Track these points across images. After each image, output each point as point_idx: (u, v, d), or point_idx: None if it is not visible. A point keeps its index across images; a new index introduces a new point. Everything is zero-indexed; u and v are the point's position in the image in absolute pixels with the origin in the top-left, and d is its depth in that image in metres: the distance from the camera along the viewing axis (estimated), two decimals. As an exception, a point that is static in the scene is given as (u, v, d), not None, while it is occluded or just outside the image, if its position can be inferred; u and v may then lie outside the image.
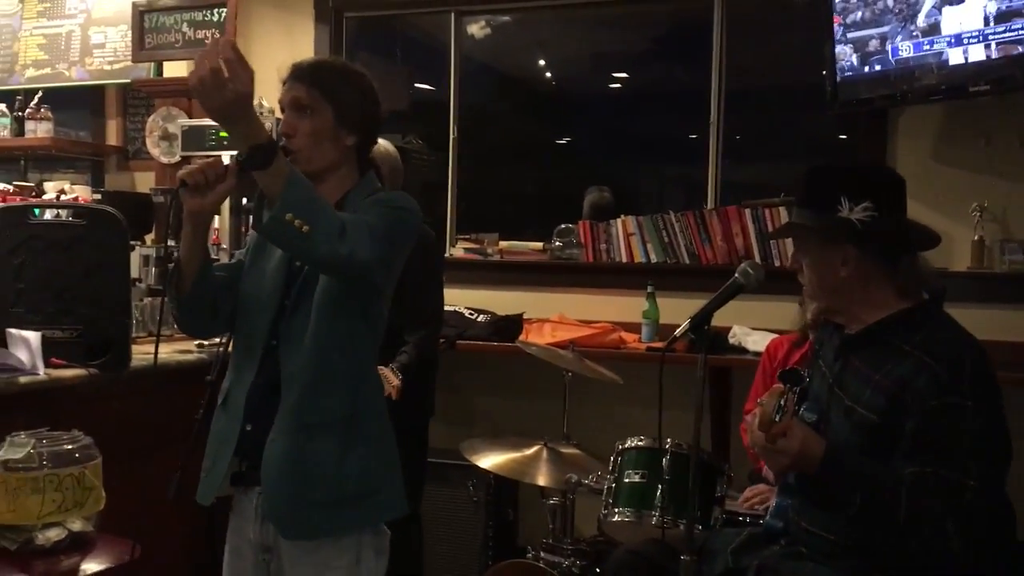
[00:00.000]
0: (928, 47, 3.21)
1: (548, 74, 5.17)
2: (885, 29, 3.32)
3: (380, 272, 1.88)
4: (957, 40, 3.12)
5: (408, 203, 1.98)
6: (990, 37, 3.03)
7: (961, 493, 1.69)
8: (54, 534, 2.05)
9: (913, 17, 3.24)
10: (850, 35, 3.43)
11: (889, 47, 3.31)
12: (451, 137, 4.43)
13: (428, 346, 3.14)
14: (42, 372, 2.54)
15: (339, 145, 1.96)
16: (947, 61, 3.15)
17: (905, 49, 3.27)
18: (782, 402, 1.68)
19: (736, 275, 1.95)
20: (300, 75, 1.96)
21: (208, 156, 2.01)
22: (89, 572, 2.02)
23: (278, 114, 3.96)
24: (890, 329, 1.87)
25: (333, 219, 1.76)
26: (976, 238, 3.41)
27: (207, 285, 1.98)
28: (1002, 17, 2.99)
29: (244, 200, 3.83)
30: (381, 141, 3.18)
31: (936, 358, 1.76)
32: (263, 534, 1.94)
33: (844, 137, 4.27)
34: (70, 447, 2.12)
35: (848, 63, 3.44)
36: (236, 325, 2.03)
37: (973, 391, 1.73)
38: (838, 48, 3.46)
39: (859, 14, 3.40)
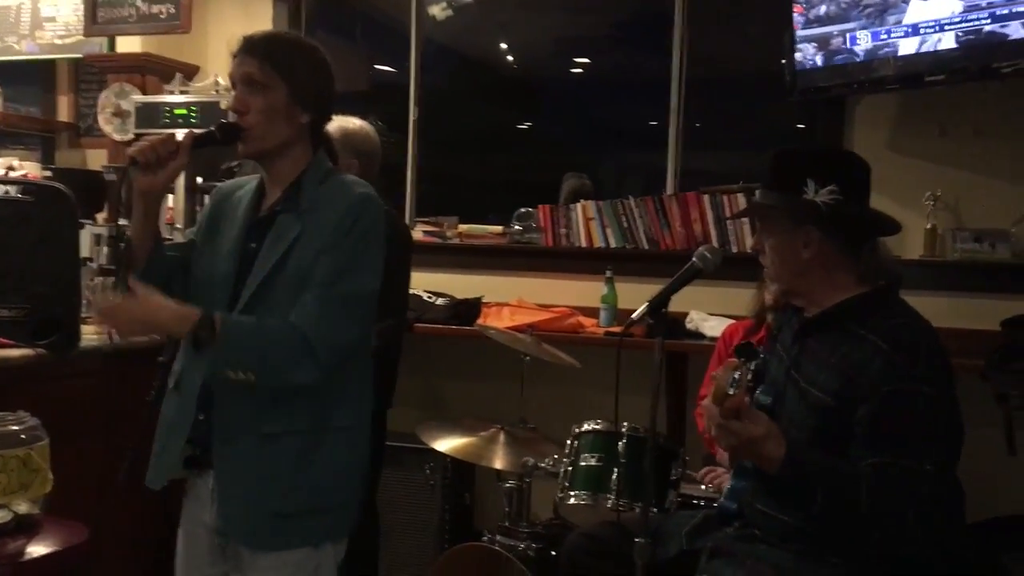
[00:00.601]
0: (885, 36, 3.23)
1: (510, 58, 5.14)
2: (844, 18, 3.34)
3: (368, 339, 1.91)
4: (914, 30, 3.15)
5: (372, 209, 1.90)
6: (946, 27, 3.06)
7: (920, 481, 1.70)
8: (-1, 516, 2.01)
9: (872, 6, 3.27)
10: (809, 24, 3.45)
11: (848, 36, 3.34)
12: (411, 119, 4.40)
13: (392, 336, 3.01)
14: (-13, 352, 2.48)
15: (293, 123, 1.91)
16: (903, 51, 3.18)
17: (863, 39, 3.30)
18: (735, 375, 1.68)
19: (694, 259, 1.95)
20: (252, 49, 1.89)
21: (160, 133, 1.96)
22: (36, 555, 1.98)
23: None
24: (847, 313, 1.89)
25: (284, 349, 1.77)
26: (929, 226, 3.46)
27: (159, 265, 1.94)
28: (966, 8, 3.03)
29: (199, 179, 3.77)
30: (362, 123, 3.10)
31: (891, 343, 1.78)
32: (219, 518, 1.90)
33: (803, 126, 4.30)
34: (15, 428, 2.06)
35: (807, 52, 3.46)
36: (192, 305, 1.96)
37: (928, 375, 1.75)
38: (798, 37, 3.48)
39: (819, 3, 3.41)
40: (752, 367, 1.76)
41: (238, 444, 1.85)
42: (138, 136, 4.16)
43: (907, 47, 3.17)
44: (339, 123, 3.00)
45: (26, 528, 2.05)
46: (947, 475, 1.76)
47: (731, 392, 1.67)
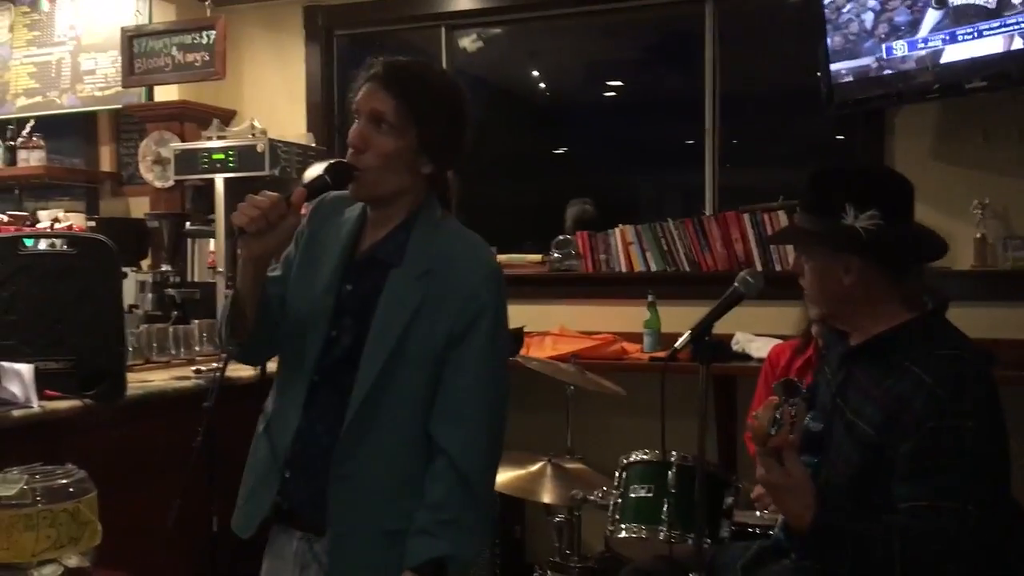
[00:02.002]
0: (923, 45, 3.18)
1: (542, 85, 5.15)
2: (879, 29, 3.29)
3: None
4: (952, 37, 3.09)
5: (501, 286, 1.81)
6: (985, 33, 3.00)
7: (960, 522, 1.63)
8: (49, 571, 2.00)
9: (906, 15, 3.21)
10: (843, 36, 3.40)
11: (884, 47, 3.28)
12: (446, 152, 4.40)
13: None
14: (36, 405, 2.51)
15: (414, 172, 1.75)
16: (942, 59, 3.12)
17: (899, 48, 3.24)
18: (777, 414, 1.63)
19: (736, 284, 1.91)
20: (390, 83, 1.71)
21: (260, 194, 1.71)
22: (86, 609, 1.98)
23: (271, 134, 3.96)
24: (892, 343, 1.82)
25: (472, 530, 1.74)
26: (978, 236, 3.38)
27: (266, 318, 1.81)
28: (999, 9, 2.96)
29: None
30: None
31: (935, 377, 1.71)
32: None
33: (842, 138, 4.24)
34: (64, 481, 2.07)
35: (842, 65, 3.41)
36: (282, 346, 1.86)
37: (974, 410, 1.68)
38: (831, 50, 3.43)
39: (851, 15, 3.37)
40: (794, 403, 1.70)
41: (355, 538, 1.75)
42: (178, 182, 4.22)
43: (946, 55, 3.11)
44: None
45: (77, 582, 2.05)
46: (994, 509, 1.68)
47: (772, 432, 1.62)
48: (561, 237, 4.11)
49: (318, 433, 1.79)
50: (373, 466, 1.74)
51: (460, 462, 1.72)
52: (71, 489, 2.07)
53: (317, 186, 1.76)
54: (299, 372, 1.80)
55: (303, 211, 1.77)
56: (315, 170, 1.77)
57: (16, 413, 2.45)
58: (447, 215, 1.87)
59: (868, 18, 3.32)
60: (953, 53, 3.09)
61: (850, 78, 3.40)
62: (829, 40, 3.43)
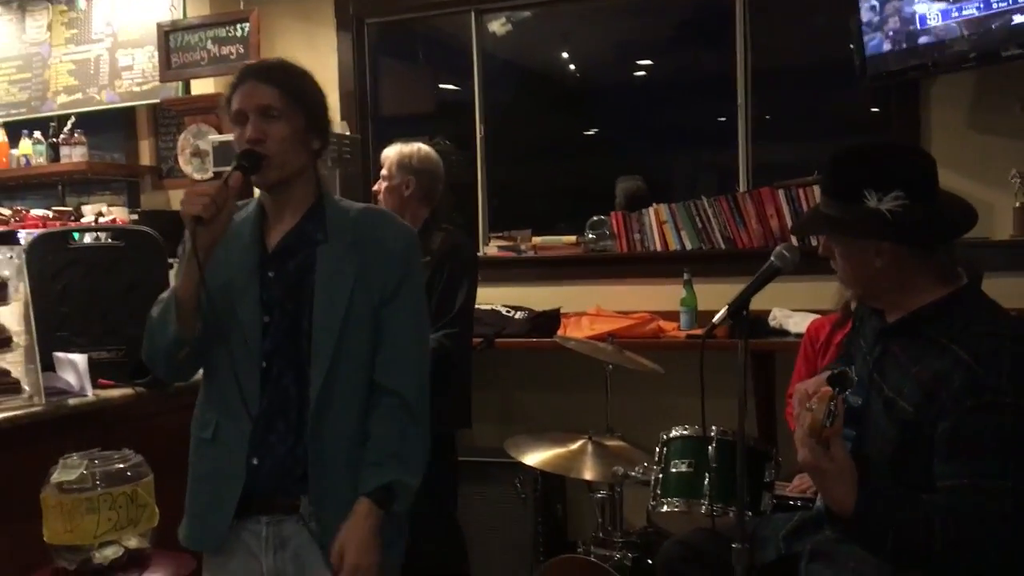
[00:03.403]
0: (956, 13, 3.14)
1: (572, 67, 5.14)
2: (911, -1, 3.26)
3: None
4: (986, 5, 3.05)
5: (417, 245, 2.02)
6: (1020, 0, 2.96)
7: (999, 501, 1.64)
8: (111, 552, 2.09)
9: (940, -16, 3.18)
10: (875, 7, 3.38)
11: (918, 16, 3.25)
12: (478, 136, 4.44)
13: (449, 346, 2.88)
14: (90, 393, 2.59)
15: (308, 149, 1.92)
16: (976, 28, 3.09)
17: (933, 17, 3.21)
18: (831, 406, 1.65)
19: (772, 259, 1.91)
20: (267, 78, 1.87)
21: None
22: (147, 587, 2.05)
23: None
24: (928, 320, 1.81)
25: (415, 459, 1.92)
26: (1017, 205, 3.34)
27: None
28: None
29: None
30: (419, 144, 3.19)
31: (972, 354, 1.70)
32: (278, 563, 1.90)
33: (876, 110, 4.20)
34: (122, 466, 2.15)
35: (875, 36, 3.38)
36: (209, 352, 1.93)
37: (1012, 387, 1.67)
38: (864, 21, 3.40)
39: (884, -15, 3.34)
40: (845, 397, 1.71)
41: (335, 497, 1.88)
42: (217, 174, 4.29)
43: (980, 23, 3.08)
44: (397, 146, 3.17)
45: (137, 562, 2.13)
46: None
47: (828, 424, 1.64)
48: (596, 218, 4.12)
49: (281, 414, 1.88)
50: (342, 427, 1.88)
51: (413, 402, 1.90)
52: (129, 473, 2.16)
53: (240, 170, 1.86)
54: (243, 366, 1.87)
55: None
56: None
57: (72, 401, 2.54)
58: (339, 197, 2.07)
59: (901, -11, 3.29)
60: (988, 21, 3.06)
61: (883, 49, 3.37)
62: (861, 11, 3.40)
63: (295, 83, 1.90)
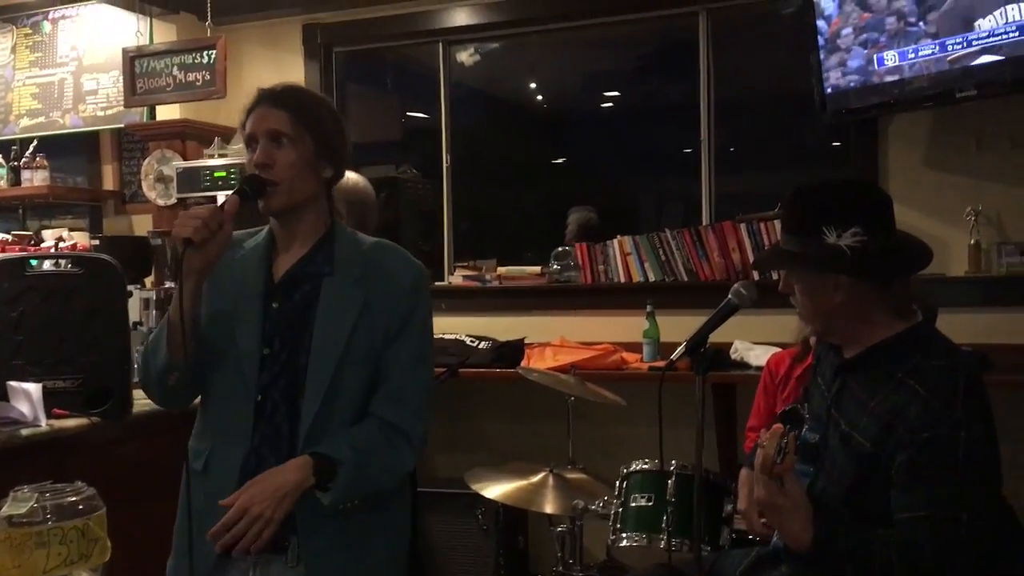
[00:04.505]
0: (913, 55, 3.21)
1: (539, 96, 5.19)
2: (870, 38, 3.33)
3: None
4: (942, 47, 3.13)
5: (427, 282, 1.97)
6: (975, 43, 3.04)
7: (955, 532, 1.67)
8: (61, 588, 2.04)
9: (895, 25, 3.25)
10: (835, 46, 3.44)
11: (875, 57, 3.32)
12: (444, 164, 4.45)
13: None
14: (44, 423, 2.55)
15: (318, 177, 1.87)
16: (933, 68, 3.16)
17: (891, 58, 3.28)
18: (783, 443, 1.67)
19: (730, 296, 1.94)
20: (278, 102, 1.84)
21: (193, 206, 1.88)
22: (97, 624, 2.01)
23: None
24: (884, 355, 1.85)
25: (388, 456, 1.82)
26: (972, 242, 3.41)
27: (198, 350, 1.84)
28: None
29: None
30: (352, 175, 3.18)
31: (928, 388, 1.74)
32: None
33: (838, 144, 4.28)
34: (74, 499, 2.09)
35: (835, 74, 3.45)
36: (207, 380, 1.89)
37: (966, 419, 1.71)
38: (824, 58, 3.47)
39: (841, 25, 3.41)
40: (798, 434, 1.73)
41: (322, 540, 1.82)
42: (180, 200, 4.27)
43: (937, 64, 3.15)
44: None
45: (87, 597, 2.08)
46: (986, 520, 1.71)
47: (778, 461, 1.66)
48: (560, 249, 4.15)
49: (272, 447, 1.83)
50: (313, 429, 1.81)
51: (408, 430, 1.84)
52: (80, 506, 2.10)
53: (240, 195, 1.82)
54: (238, 397, 1.84)
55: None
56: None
57: (25, 432, 2.49)
58: (352, 230, 1.99)
59: (859, 28, 3.36)
60: (943, 62, 3.13)
61: (842, 87, 3.44)
62: (821, 50, 3.47)
63: (307, 108, 1.85)
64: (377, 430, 1.82)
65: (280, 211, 1.87)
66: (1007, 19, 2.93)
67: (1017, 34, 2.91)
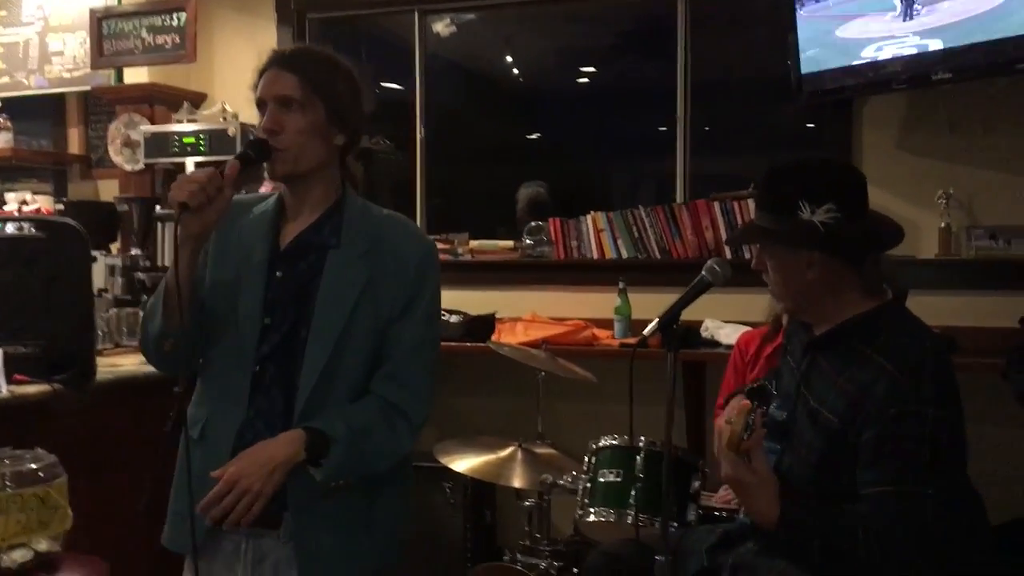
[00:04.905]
0: (890, 36, 3.21)
1: (516, 71, 5.15)
2: (848, 20, 3.33)
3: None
4: (919, 29, 3.13)
5: (437, 260, 1.90)
6: (950, 27, 3.04)
7: (921, 507, 1.68)
8: (19, 556, 2.01)
9: (873, 5, 3.25)
10: (813, 26, 3.43)
11: (852, 38, 3.32)
12: (418, 136, 4.41)
13: None
14: (4, 389, 2.50)
15: (328, 144, 1.82)
16: (909, 51, 3.16)
17: (868, 39, 3.28)
18: (750, 419, 1.67)
19: (703, 273, 1.93)
20: (289, 65, 1.78)
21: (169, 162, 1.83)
22: (57, 593, 1.98)
23: (243, 118, 3.94)
24: (854, 332, 1.86)
25: (385, 435, 1.77)
26: (943, 225, 3.43)
27: (197, 314, 1.81)
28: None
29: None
30: None
31: (896, 364, 1.75)
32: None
33: (812, 126, 4.28)
34: (33, 466, 2.07)
35: (811, 55, 3.44)
36: (207, 347, 1.86)
37: (934, 397, 1.72)
38: (801, 39, 3.46)
39: (820, 4, 3.40)
40: (765, 410, 1.74)
41: (316, 517, 1.79)
42: (148, 166, 4.19)
43: (912, 46, 3.15)
44: None
45: (47, 566, 2.05)
46: (953, 494, 1.74)
47: (746, 437, 1.67)
48: (533, 224, 4.12)
49: (267, 420, 1.80)
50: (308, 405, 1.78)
51: (408, 410, 1.80)
52: (41, 473, 2.07)
53: (243, 159, 1.78)
54: (237, 367, 1.81)
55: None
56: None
57: (-16, 398, 2.45)
58: (366, 201, 1.93)
59: (835, 9, 3.35)
60: (919, 45, 3.13)
61: (818, 68, 3.43)
62: (798, 30, 3.46)
63: (319, 72, 1.79)
64: (376, 409, 1.78)
65: (287, 177, 1.82)
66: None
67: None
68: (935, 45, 3.08)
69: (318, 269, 1.81)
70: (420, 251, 1.86)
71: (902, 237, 1.95)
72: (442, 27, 4.64)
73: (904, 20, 3.16)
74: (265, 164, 1.81)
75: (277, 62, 1.80)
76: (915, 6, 3.12)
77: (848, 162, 2.72)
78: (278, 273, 1.82)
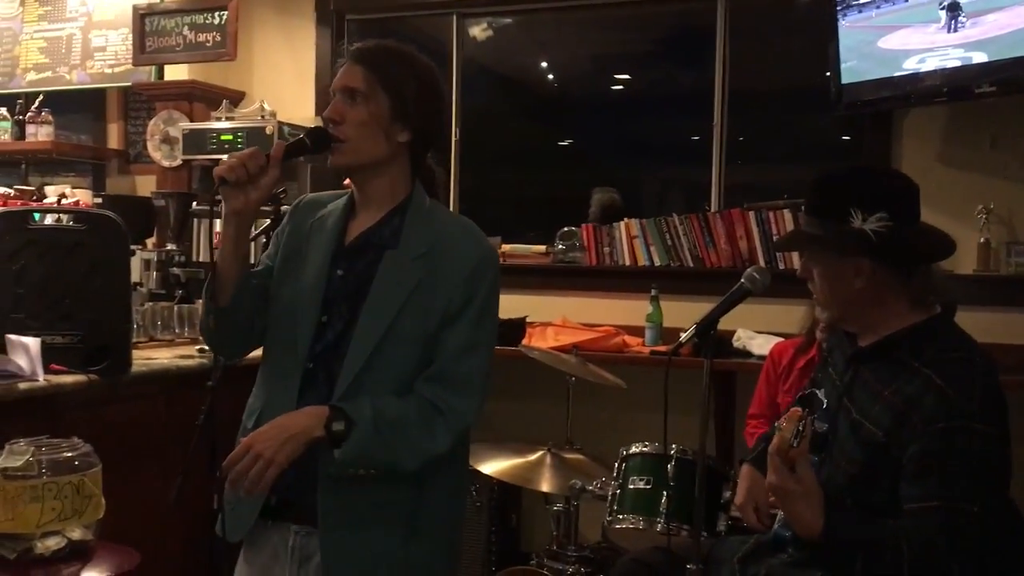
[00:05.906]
0: (932, 48, 3.18)
1: (550, 76, 5.14)
2: (891, 29, 3.30)
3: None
4: (962, 42, 3.09)
5: (496, 266, 1.85)
6: (994, 40, 3.00)
7: (965, 522, 1.65)
8: (53, 543, 2.03)
9: (916, 16, 3.22)
10: (854, 36, 3.41)
11: (894, 49, 3.29)
12: (453, 140, 4.42)
13: None
14: (42, 378, 2.52)
15: (391, 140, 1.78)
16: (951, 63, 3.13)
17: (910, 51, 3.24)
18: (799, 427, 1.65)
19: (743, 280, 1.92)
20: (359, 58, 1.78)
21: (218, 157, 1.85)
22: (89, 581, 2.00)
23: (280, 117, 3.97)
24: (901, 344, 1.83)
25: (405, 443, 1.71)
26: (982, 240, 3.39)
27: (248, 295, 1.81)
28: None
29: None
30: None
31: (945, 378, 1.72)
32: None
33: (848, 138, 4.24)
34: (69, 455, 2.09)
35: (852, 65, 3.41)
36: (267, 338, 1.87)
37: (982, 412, 1.69)
38: (842, 49, 3.44)
39: (863, 15, 3.37)
40: (815, 418, 1.71)
41: (345, 519, 1.76)
42: (186, 162, 4.23)
43: (955, 59, 3.12)
44: None
45: (80, 554, 2.07)
46: (996, 511, 1.70)
47: (795, 445, 1.64)
48: (566, 229, 4.12)
49: None
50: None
51: (446, 409, 1.76)
52: (76, 462, 2.10)
53: (296, 145, 1.79)
54: (291, 361, 1.80)
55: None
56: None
57: (22, 386, 2.47)
58: (436, 203, 1.90)
59: (878, 20, 3.32)
60: (961, 58, 3.09)
61: (859, 79, 3.40)
62: (839, 40, 3.43)
63: (388, 67, 1.77)
64: (414, 405, 1.75)
65: (344, 169, 1.82)
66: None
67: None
68: (979, 58, 3.05)
69: (374, 269, 1.80)
70: (476, 255, 1.82)
71: (954, 249, 1.91)
72: (478, 31, 4.65)
73: (948, 32, 3.12)
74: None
75: (352, 55, 1.81)
76: (960, 18, 3.08)
77: (900, 171, 2.70)
78: (339, 271, 1.82)
